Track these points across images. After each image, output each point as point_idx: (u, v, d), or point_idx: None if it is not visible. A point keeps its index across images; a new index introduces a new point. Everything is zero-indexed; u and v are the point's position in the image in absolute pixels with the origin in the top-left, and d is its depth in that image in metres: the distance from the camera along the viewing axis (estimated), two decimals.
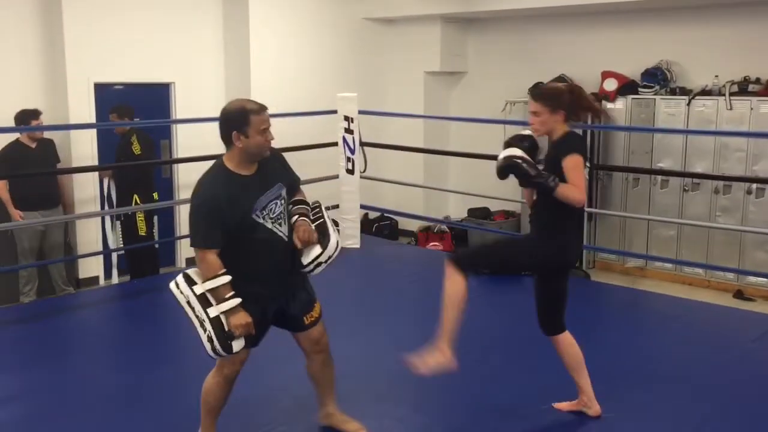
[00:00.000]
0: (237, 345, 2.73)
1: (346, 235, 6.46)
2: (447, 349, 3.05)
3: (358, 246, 6.47)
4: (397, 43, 8.72)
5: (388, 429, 3.28)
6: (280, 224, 2.91)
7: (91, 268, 6.67)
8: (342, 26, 8.29)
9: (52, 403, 3.57)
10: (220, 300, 2.73)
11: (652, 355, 4.19)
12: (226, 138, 2.81)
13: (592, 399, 3.36)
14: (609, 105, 7.33)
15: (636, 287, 6.34)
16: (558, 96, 3.13)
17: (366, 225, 8.15)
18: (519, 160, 3.05)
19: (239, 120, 2.77)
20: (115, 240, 6.42)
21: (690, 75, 7.12)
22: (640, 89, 7.21)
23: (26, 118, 5.81)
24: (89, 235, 6.64)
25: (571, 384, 3.35)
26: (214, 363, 2.98)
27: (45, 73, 6.48)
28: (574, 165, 3.00)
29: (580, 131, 7.31)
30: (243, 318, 2.73)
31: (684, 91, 7.00)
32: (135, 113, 6.31)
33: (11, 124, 5.87)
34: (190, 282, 2.76)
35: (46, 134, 6.14)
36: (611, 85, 7.28)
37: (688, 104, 6.85)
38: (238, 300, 2.73)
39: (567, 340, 3.30)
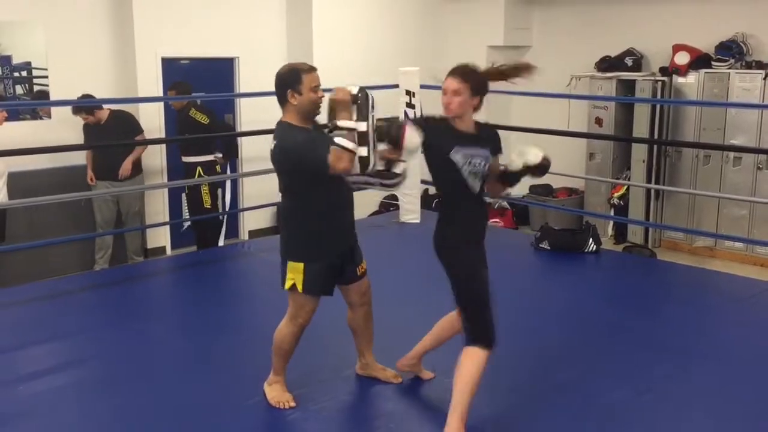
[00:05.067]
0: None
1: (407, 210, 6.48)
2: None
3: (418, 221, 6.47)
4: (460, 17, 8.59)
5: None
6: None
7: (158, 238, 6.87)
8: (405, 0, 8.23)
9: (122, 365, 3.69)
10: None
11: (722, 336, 4.07)
12: (282, 97, 3.02)
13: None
14: (680, 79, 7.08)
15: (704, 267, 6.15)
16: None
17: (426, 200, 8.10)
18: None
19: (292, 79, 3.01)
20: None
21: (767, 48, 6.82)
22: (713, 63, 6.94)
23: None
24: (156, 205, 6.83)
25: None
26: (271, 329, 3.20)
27: (115, 49, 6.66)
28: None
29: (648, 107, 7.15)
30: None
31: (760, 65, 6.71)
32: (200, 87, 6.41)
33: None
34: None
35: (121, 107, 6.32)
36: (683, 58, 7.02)
37: (765, 78, 6.57)
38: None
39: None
